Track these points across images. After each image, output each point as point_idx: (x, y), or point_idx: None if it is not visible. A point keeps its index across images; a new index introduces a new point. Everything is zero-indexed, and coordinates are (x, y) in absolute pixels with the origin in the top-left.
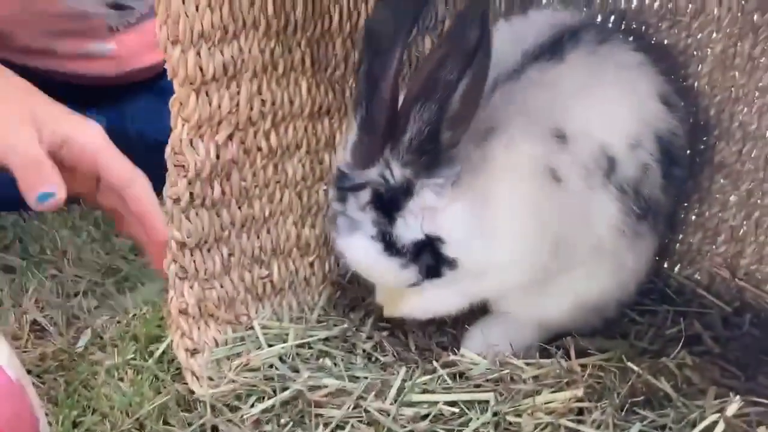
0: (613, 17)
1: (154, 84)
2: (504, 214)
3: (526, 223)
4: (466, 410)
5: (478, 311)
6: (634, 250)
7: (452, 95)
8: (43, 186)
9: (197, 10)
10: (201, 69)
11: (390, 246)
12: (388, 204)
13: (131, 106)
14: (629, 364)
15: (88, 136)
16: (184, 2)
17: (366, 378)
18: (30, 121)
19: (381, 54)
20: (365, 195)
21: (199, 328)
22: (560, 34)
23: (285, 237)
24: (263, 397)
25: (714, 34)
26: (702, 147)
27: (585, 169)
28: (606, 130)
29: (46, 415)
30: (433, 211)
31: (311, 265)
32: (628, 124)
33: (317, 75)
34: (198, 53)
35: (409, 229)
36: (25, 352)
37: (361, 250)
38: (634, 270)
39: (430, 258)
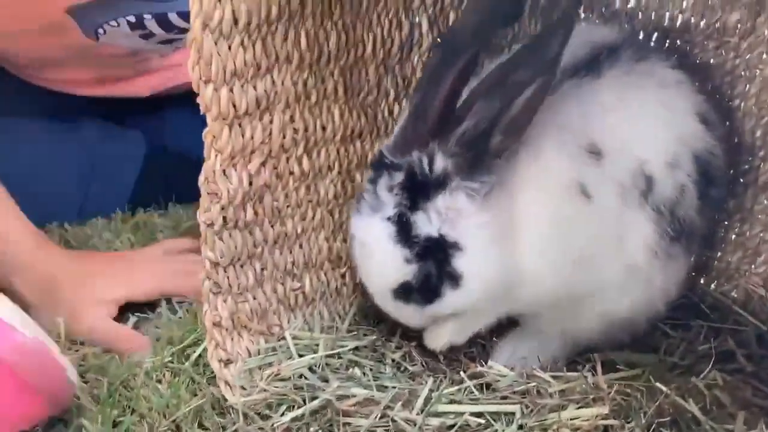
0: (656, 34)
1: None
2: (527, 229)
3: (549, 240)
4: (492, 422)
5: (508, 324)
6: (666, 271)
7: (517, 97)
8: (130, 351)
9: (230, 49)
10: (234, 105)
11: (403, 231)
12: (419, 190)
13: (171, 122)
14: (657, 384)
15: (144, 289)
16: (216, 43)
17: (394, 388)
18: (96, 301)
19: (453, 52)
20: (399, 176)
21: (232, 339)
22: (598, 51)
23: (317, 251)
24: (293, 406)
25: (764, 56)
26: (746, 167)
27: (621, 187)
28: (643, 149)
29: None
30: (457, 215)
31: (342, 276)
32: (665, 143)
33: (350, 101)
34: (231, 90)
35: (429, 222)
36: (68, 350)
37: (373, 229)
38: (664, 290)
39: (433, 267)
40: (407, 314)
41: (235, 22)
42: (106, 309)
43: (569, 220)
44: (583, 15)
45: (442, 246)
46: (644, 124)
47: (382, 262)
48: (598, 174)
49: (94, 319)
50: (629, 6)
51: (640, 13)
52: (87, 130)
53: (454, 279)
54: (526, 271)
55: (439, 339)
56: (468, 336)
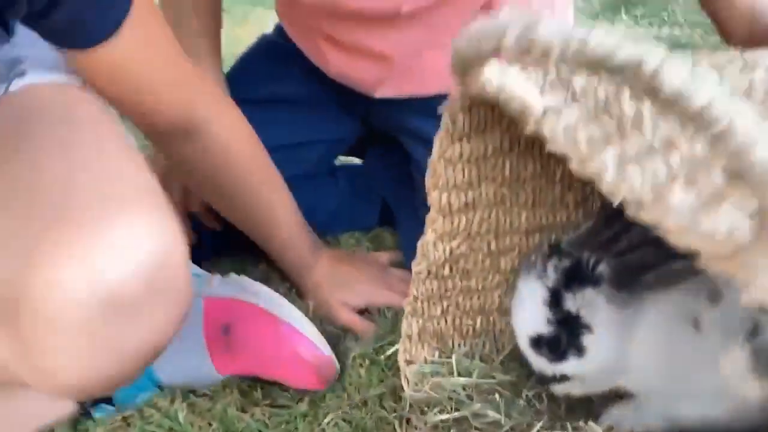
0: None
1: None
2: (639, 338)
3: (653, 350)
4: None
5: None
6: (764, 392)
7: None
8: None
9: (453, 172)
10: (450, 204)
11: (554, 300)
12: (576, 278)
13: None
14: None
15: (378, 301)
16: (445, 167)
17: (517, 417)
18: (344, 304)
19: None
20: (566, 262)
21: (416, 349)
22: None
23: (491, 302)
24: (443, 411)
25: None
26: None
27: (729, 326)
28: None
29: None
30: (596, 308)
31: (507, 323)
32: None
33: (535, 209)
34: (449, 195)
35: (574, 302)
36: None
37: (533, 290)
38: (762, 403)
39: (565, 335)
40: (536, 361)
41: (461, 156)
42: (350, 309)
43: (675, 342)
44: None
45: (578, 323)
46: None
47: (529, 314)
48: (713, 313)
49: (340, 315)
50: None
51: None
52: (339, 176)
53: (580, 350)
54: (629, 367)
55: (559, 387)
56: (580, 393)
